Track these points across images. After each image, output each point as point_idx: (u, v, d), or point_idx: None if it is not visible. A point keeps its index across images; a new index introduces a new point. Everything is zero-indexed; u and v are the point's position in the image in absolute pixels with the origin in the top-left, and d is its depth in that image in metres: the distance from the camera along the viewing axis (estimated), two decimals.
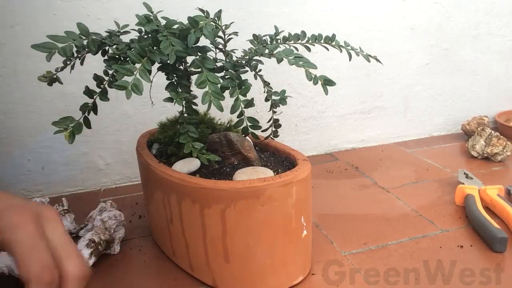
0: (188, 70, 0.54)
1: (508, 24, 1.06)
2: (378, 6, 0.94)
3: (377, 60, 0.56)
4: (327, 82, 0.50)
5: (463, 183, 0.75)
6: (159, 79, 0.53)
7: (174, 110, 0.61)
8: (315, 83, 0.49)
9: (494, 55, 1.07)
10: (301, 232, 0.53)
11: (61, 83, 0.53)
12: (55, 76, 0.52)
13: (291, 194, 0.50)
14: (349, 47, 0.55)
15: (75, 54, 0.51)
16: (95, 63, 0.53)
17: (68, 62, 0.51)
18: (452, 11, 1.00)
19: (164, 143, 0.61)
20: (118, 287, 0.56)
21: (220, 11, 0.52)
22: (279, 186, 0.49)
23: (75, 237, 0.61)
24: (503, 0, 1.03)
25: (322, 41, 0.55)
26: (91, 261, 0.57)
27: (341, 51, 0.56)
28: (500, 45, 1.07)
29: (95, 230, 0.60)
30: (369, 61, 0.56)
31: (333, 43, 0.56)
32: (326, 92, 0.49)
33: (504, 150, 0.88)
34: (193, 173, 0.54)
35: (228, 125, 0.64)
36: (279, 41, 0.56)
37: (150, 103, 0.61)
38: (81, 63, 0.53)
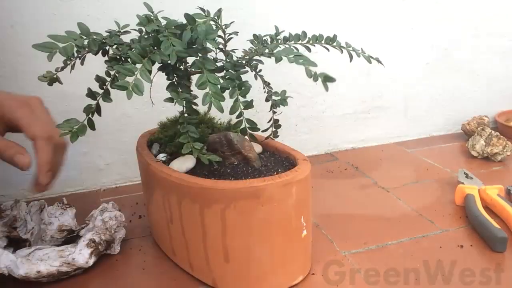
0: (189, 70, 0.54)
1: (508, 24, 1.06)
2: (378, 6, 0.94)
3: (379, 62, 0.56)
4: (327, 79, 0.49)
5: (463, 183, 0.75)
6: (159, 79, 0.53)
7: (174, 110, 0.61)
8: (315, 80, 0.49)
9: (494, 55, 1.07)
10: (301, 232, 0.53)
11: (61, 83, 0.53)
12: (55, 76, 0.52)
13: (291, 194, 0.50)
14: (350, 48, 0.55)
15: (75, 54, 0.51)
16: (95, 64, 0.53)
17: (68, 62, 0.51)
18: (452, 11, 1.00)
19: (164, 143, 0.61)
20: (118, 287, 0.56)
21: (220, 10, 0.52)
22: (279, 186, 0.49)
23: (76, 236, 0.61)
24: (503, 0, 1.03)
25: (323, 42, 0.55)
26: (91, 261, 0.57)
27: (341, 51, 0.56)
28: (500, 45, 1.07)
29: (96, 230, 0.60)
30: (370, 62, 0.56)
31: (334, 43, 0.56)
32: (326, 88, 0.49)
33: (504, 150, 0.88)
34: (191, 171, 0.54)
35: (227, 125, 0.64)
36: (279, 41, 0.56)
37: (151, 103, 0.61)
38: (82, 63, 0.53)
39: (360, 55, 0.56)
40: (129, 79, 0.44)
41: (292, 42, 0.55)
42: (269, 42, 0.57)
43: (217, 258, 0.52)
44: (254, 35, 0.57)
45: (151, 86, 0.47)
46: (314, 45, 0.56)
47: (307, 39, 0.56)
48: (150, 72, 0.45)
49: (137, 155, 0.61)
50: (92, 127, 0.50)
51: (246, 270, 0.52)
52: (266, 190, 0.48)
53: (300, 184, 0.50)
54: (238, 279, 0.53)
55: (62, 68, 0.52)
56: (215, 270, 0.53)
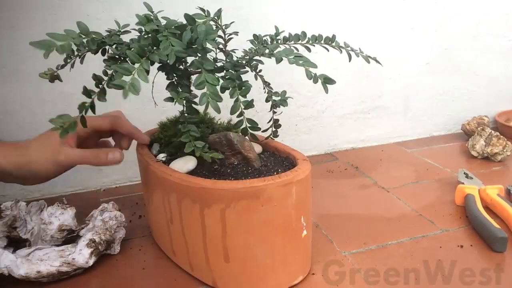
0: (188, 70, 0.54)
1: (508, 24, 1.06)
2: (378, 6, 0.94)
3: (377, 62, 0.56)
4: (327, 81, 0.50)
5: (463, 183, 0.75)
6: (161, 79, 0.53)
7: (174, 110, 0.61)
8: (315, 81, 0.50)
9: (494, 55, 1.07)
10: (301, 232, 0.53)
11: (61, 81, 0.53)
12: (56, 74, 0.52)
13: (291, 194, 0.50)
14: (349, 48, 0.56)
15: (76, 53, 0.51)
16: (96, 64, 0.53)
17: (68, 61, 0.51)
18: (452, 11, 1.00)
19: (164, 143, 0.61)
20: (118, 287, 0.56)
21: (220, 10, 0.52)
22: (279, 186, 0.49)
23: (76, 236, 0.61)
24: (503, 0, 1.03)
25: (322, 42, 0.55)
26: (91, 261, 0.57)
27: (341, 52, 0.56)
28: (500, 45, 1.07)
29: (96, 230, 0.60)
30: (368, 62, 0.56)
31: (333, 43, 0.56)
32: (326, 90, 0.50)
33: (504, 150, 0.88)
34: (191, 172, 0.54)
35: (227, 125, 0.64)
36: (279, 41, 0.56)
37: (151, 103, 0.61)
38: (81, 62, 0.53)
39: (359, 55, 0.56)
40: (127, 78, 0.44)
41: (292, 42, 0.55)
42: (269, 42, 0.57)
43: (217, 258, 0.52)
44: (254, 35, 0.57)
45: (152, 86, 0.47)
46: (314, 45, 0.56)
47: (306, 39, 0.56)
48: (148, 72, 0.45)
49: (137, 155, 0.61)
50: (84, 125, 0.50)
51: (246, 270, 0.52)
52: (266, 190, 0.48)
53: (300, 184, 0.50)
54: (238, 279, 0.53)
55: (63, 66, 0.52)
56: (215, 270, 0.53)
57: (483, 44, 1.05)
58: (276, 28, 0.58)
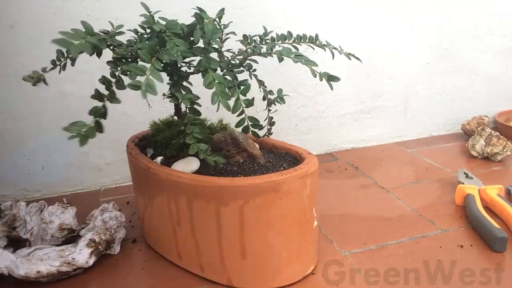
0: (187, 71, 0.54)
1: (508, 24, 1.06)
2: (378, 6, 0.94)
3: (357, 58, 0.57)
4: (331, 78, 0.51)
5: (463, 183, 0.75)
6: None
7: (173, 110, 0.61)
8: (321, 79, 0.50)
9: (494, 55, 1.07)
10: (313, 223, 0.54)
11: (46, 84, 0.51)
12: (42, 77, 0.51)
13: (306, 186, 0.51)
14: (331, 46, 0.56)
15: (66, 54, 0.50)
16: (94, 64, 0.53)
17: (57, 63, 0.50)
18: (452, 11, 1.00)
19: (161, 145, 0.60)
20: (118, 287, 0.56)
21: (222, 10, 0.52)
22: (296, 179, 0.50)
23: (76, 235, 0.61)
24: (503, 0, 1.03)
25: (307, 41, 0.56)
26: (91, 261, 0.57)
27: (325, 50, 0.56)
28: (500, 45, 1.07)
29: (96, 230, 0.60)
30: (350, 59, 0.56)
31: (317, 42, 0.56)
32: (331, 87, 0.51)
33: (504, 150, 0.88)
34: (196, 172, 0.54)
35: (222, 125, 0.64)
36: (267, 41, 0.57)
37: (151, 103, 0.60)
38: (72, 64, 0.51)
39: (341, 53, 0.56)
40: (141, 79, 0.44)
41: (280, 42, 0.56)
42: (258, 42, 0.57)
43: (233, 256, 0.52)
44: (244, 36, 0.57)
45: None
46: (301, 44, 0.57)
47: (292, 38, 0.56)
48: (160, 71, 0.45)
49: (131, 159, 0.60)
50: (100, 130, 0.48)
51: (263, 265, 0.52)
52: (285, 183, 0.49)
53: (313, 176, 0.52)
54: (255, 274, 0.53)
55: (51, 69, 0.50)
56: (230, 268, 0.53)
57: (483, 44, 1.05)
58: (265, 28, 0.58)
